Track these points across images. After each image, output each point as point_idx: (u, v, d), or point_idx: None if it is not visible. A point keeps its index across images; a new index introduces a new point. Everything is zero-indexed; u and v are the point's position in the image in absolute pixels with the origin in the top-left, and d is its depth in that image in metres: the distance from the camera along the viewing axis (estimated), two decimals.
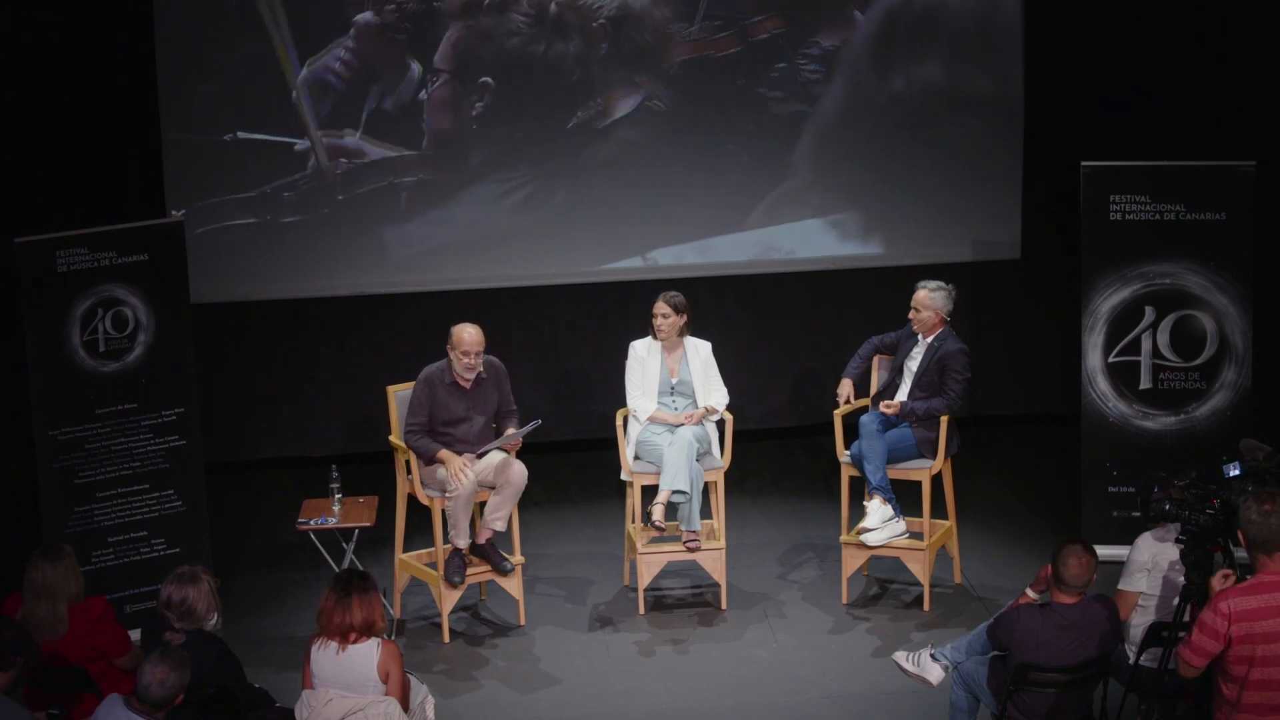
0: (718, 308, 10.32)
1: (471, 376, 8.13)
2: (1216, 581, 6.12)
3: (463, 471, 7.97)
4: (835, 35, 10.10)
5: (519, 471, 8.08)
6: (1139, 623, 6.65)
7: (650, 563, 8.33)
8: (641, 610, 8.38)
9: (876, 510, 8.24)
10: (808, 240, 10.29)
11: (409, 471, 8.18)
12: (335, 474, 8.27)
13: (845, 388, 8.51)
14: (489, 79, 9.86)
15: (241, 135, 9.72)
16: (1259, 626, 5.88)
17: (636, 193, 10.11)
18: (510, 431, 8.19)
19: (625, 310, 9.80)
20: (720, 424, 8.51)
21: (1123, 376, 8.81)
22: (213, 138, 9.68)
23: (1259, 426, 8.62)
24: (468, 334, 8.10)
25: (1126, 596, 6.68)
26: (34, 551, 6.74)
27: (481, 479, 8.12)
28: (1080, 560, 6.33)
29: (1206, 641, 5.92)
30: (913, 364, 8.48)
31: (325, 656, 6.34)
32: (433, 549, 8.21)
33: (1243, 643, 5.89)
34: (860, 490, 8.40)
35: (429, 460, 8.10)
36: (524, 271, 10.12)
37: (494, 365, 8.26)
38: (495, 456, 8.14)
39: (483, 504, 8.17)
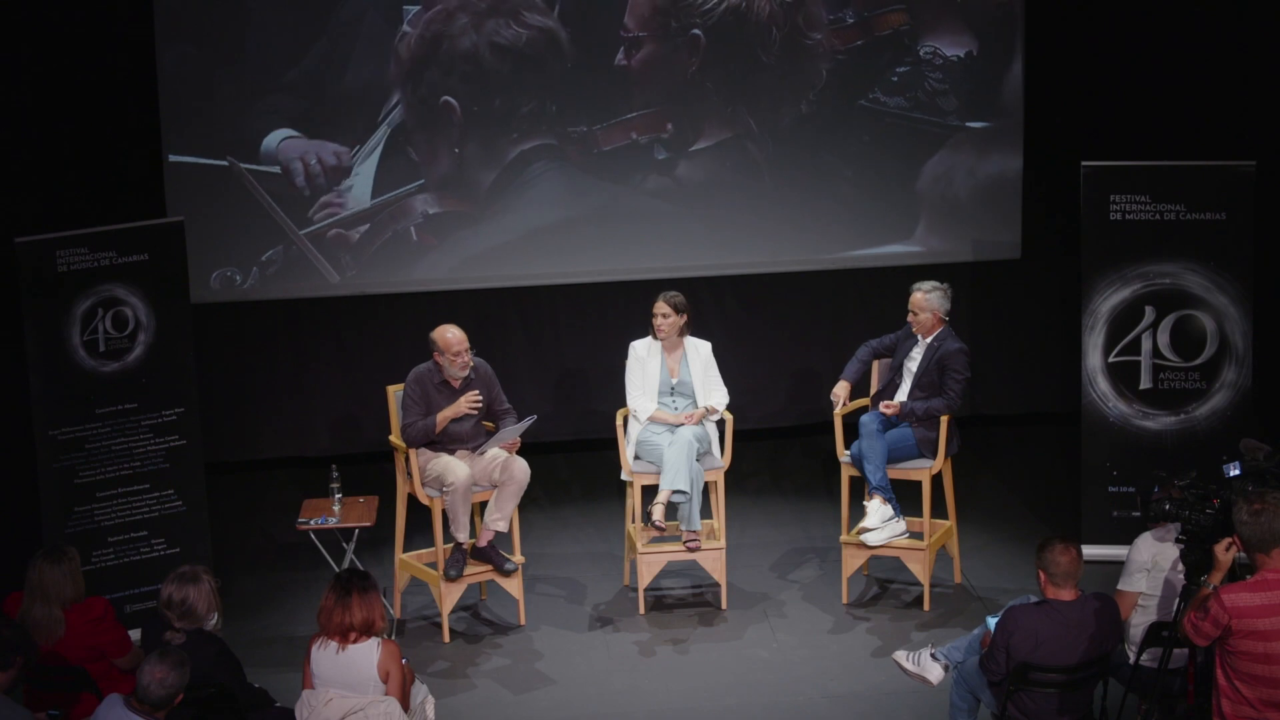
0: (718, 308, 10.31)
1: (465, 374, 8.13)
2: (1220, 550, 6.11)
3: (470, 401, 8.05)
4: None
5: (521, 468, 8.08)
6: (1139, 623, 6.65)
7: (650, 563, 8.33)
8: (641, 610, 8.38)
9: (876, 510, 8.23)
10: (809, 240, 10.30)
11: (409, 471, 8.18)
12: (335, 474, 8.26)
13: (843, 390, 8.48)
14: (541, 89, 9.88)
15: (242, 165, 9.74)
16: (1260, 624, 5.88)
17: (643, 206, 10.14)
18: (508, 429, 8.19)
19: (625, 310, 9.80)
20: (720, 424, 8.51)
21: (1123, 376, 8.81)
22: (211, 143, 9.68)
23: (1259, 426, 8.62)
24: (451, 334, 8.10)
25: (1126, 596, 6.68)
26: (38, 550, 6.75)
27: (482, 478, 8.12)
28: (1067, 550, 6.33)
29: (1206, 626, 5.96)
30: (912, 364, 8.48)
31: (325, 656, 6.34)
32: (433, 549, 8.21)
33: (1243, 637, 5.90)
34: (860, 490, 8.39)
35: (432, 432, 8.08)
36: (524, 271, 10.12)
37: (480, 366, 8.26)
38: (498, 455, 8.14)
39: (483, 504, 8.18)
